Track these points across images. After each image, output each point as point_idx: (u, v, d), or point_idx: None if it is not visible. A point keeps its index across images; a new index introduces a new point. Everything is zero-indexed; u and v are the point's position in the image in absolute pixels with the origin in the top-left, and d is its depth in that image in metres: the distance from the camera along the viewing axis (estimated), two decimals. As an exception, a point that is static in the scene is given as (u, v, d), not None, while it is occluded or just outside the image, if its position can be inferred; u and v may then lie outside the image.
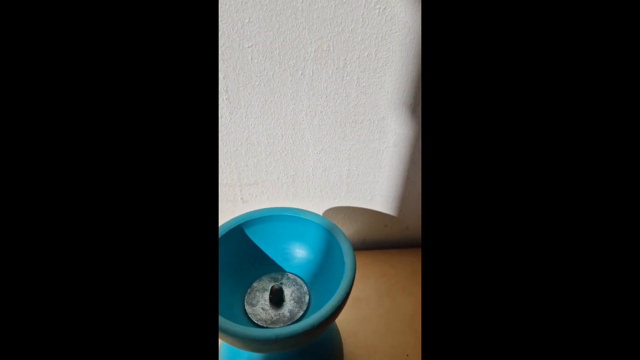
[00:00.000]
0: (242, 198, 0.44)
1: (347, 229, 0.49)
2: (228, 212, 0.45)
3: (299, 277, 0.33)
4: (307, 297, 0.31)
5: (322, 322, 0.23)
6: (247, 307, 0.30)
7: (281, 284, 0.32)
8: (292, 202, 0.45)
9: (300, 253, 0.34)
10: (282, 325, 0.29)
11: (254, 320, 0.29)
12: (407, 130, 0.40)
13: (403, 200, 0.46)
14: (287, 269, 0.34)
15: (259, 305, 0.30)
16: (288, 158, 0.41)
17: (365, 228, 0.49)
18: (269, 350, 0.25)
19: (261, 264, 0.33)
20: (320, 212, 0.47)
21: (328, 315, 0.24)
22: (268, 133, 0.39)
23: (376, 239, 0.50)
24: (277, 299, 0.30)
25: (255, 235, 0.33)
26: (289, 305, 0.30)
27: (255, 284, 0.32)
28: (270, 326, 0.28)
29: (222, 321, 0.23)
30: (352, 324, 0.40)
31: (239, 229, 0.32)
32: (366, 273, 0.46)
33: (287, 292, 0.31)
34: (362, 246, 0.51)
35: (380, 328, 0.40)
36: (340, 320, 0.39)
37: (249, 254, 0.33)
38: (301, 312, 0.30)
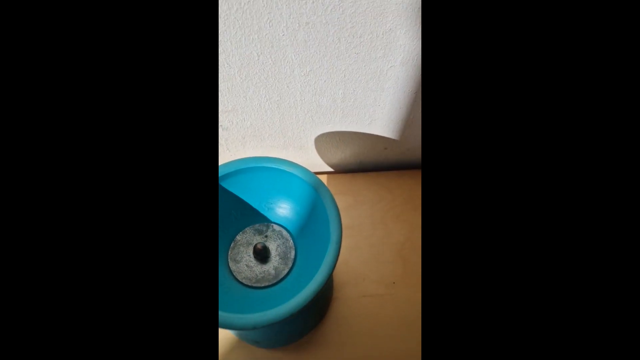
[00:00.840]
0: (221, 125, 0.39)
1: (343, 152, 0.45)
2: (209, 139, 0.40)
3: (284, 228, 0.31)
4: (292, 253, 0.30)
5: (302, 307, 0.22)
6: (231, 264, 0.29)
7: (266, 236, 0.31)
8: (278, 129, 0.40)
9: (284, 205, 0.31)
10: (267, 284, 0.28)
11: (239, 278, 0.29)
12: (421, 46, 0.31)
13: (407, 124, 0.40)
14: (272, 219, 0.31)
15: (243, 262, 0.29)
16: (269, 82, 0.34)
17: (363, 151, 0.45)
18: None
19: (244, 215, 0.31)
20: (312, 138, 0.42)
21: (309, 300, 0.23)
22: (239, 53, 0.31)
23: (374, 161, 0.47)
24: (261, 257, 0.29)
25: (236, 187, 0.30)
26: (274, 261, 0.29)
27: (238, 237, 0.31)
28: (254, 285, 0.28)
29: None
30: (343, 253, 0.40)
31: (213, 184, 0.29)
32: (361, 199, 0.44)
33: (272, 246, 0.30)
34: (358, 167, 0.48)
35: (371, 257, 0.40)
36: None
37: (230, 206, 0.30)
38: (286, 270, 0.29)
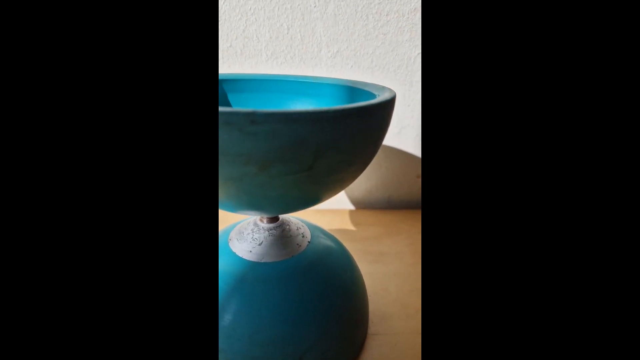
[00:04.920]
0: (234, 122, 0.35)
1: (368, 179, 0.38)
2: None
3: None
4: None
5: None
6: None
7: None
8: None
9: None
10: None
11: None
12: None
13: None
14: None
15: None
16: (295, 62, 0.33)
17: (393, 182, 0.38)
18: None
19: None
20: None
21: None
22: (270, 23, 0.32)
23: (405, 195, 0.39)
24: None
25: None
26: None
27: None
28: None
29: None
30: (381, 280, 0.27)
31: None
32: (396, 230, 0.34)
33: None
34: (387, 205, 0.39)
35: (419, 286, 0.27)
36: (366, 275, 0.27)
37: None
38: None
